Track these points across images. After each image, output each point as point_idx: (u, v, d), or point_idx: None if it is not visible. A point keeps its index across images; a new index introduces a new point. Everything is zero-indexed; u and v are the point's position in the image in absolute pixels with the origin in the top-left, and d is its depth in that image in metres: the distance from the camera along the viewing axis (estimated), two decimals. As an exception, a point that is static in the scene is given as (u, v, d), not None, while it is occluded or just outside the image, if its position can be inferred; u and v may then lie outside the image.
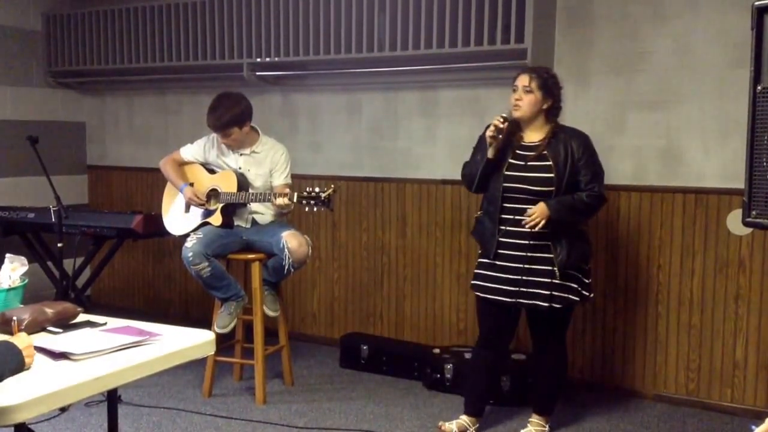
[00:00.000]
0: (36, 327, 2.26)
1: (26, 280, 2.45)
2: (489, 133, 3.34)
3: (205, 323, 3.85)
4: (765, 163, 2.42)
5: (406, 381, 4.42)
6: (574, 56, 4.22)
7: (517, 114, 3.39)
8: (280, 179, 4.08)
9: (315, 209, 3.74)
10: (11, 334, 2.11)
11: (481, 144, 3.47)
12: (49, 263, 4.98)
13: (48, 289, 4.85)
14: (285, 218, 4.14)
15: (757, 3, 2.41)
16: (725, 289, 3.95)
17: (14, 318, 2.18)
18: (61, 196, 4.31)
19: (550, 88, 3.37)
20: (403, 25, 4.35)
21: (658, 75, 4.03)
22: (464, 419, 3.66)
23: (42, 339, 2.17)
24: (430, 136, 4.70)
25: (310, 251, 4.04)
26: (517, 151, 3.40)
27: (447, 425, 3.65)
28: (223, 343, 4.15)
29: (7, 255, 2.47)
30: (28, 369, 1.93)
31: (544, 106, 3.39)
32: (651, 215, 4.10)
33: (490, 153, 3.38)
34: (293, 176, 4.18)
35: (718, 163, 3.92)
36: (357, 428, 3.75)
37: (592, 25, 4.16)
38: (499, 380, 3.96)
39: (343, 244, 5.05)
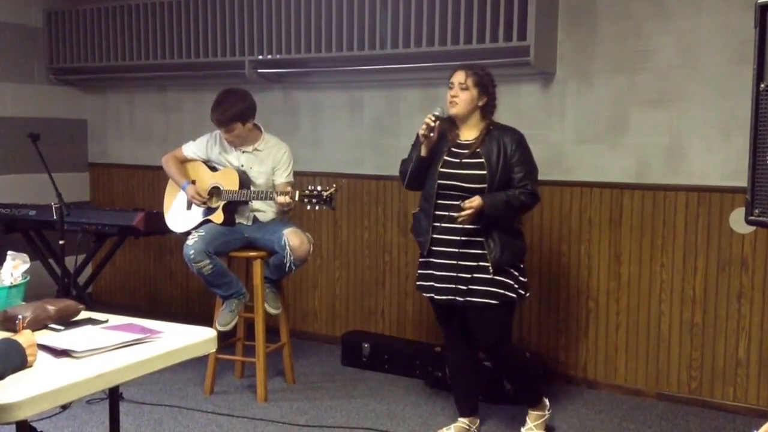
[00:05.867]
0: (38, 324, 2.26)
1: (28, 278, 2.45)
2: (421, 131, 3.35)
3: (207, 321, 3.86)
4: (768, 162, 2.41)
5: (408, 379, 4.41)
6: (577, 54, 4.21)
7: (453, 111, 3.40)
8: (282, 177, 4.08)
9: (317, 208, 3.74)
10: (14, 331, 2.11)
11: (417, 142, 3.46)
12: (51, 260, 4.99)
13: (49, 287, 4.84)
14: (286, 216, 4.14)
15: (760, 1, 2.40)
16: (728, 287, 3.94)
17: (19, 316, 2.18)
18: (63, 193, 4.31)
19: (485, 85, 3.38)
20: (405, 22, 4.34)
21: (661, 73, 4.02)
22: (462, 422, 3.64)
23: (43, 336, 2.17)
24: (431, 133, 4.68)
25: (312, 249, 4.04)
26: (453, 149, 3.40)
27: (445, 431, 3.63)
28: (225, 340, 4.15)
29: (9, 252, 2.47)
30: (30, 367, 1.93)
31: (480, 104, 3.39)
32: (654, 213, 4.09)
33: (422, 151, 3.39)
34: (295, 173, 4.17)
35: (720, 161, 3.91)
36: (358, 426, 3.75)
37: (595, 23, 4.15)
38: (499, 379, 3.95)
39: (344, 242, 5.04)
